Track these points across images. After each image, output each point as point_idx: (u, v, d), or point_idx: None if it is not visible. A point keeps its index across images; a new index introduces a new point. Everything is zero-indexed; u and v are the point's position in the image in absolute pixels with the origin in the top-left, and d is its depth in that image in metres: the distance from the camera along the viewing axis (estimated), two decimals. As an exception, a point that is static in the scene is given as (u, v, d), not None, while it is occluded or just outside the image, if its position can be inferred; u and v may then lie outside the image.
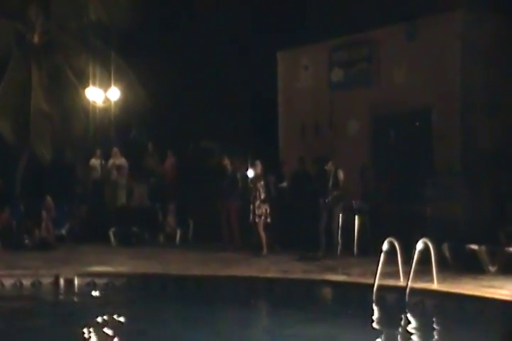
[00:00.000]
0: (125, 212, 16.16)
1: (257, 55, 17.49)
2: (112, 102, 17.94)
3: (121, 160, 17.20)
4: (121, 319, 8.79)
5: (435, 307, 8.93)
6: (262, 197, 13.35)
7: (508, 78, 13.74)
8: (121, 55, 18.62)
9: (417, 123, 14.89)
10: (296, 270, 11.36)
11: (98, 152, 17.43)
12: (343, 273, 10.87)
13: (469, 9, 14.03)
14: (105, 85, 17.95)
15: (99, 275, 11.22)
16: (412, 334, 7.77)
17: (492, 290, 9.21)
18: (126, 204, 16.63)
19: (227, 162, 14.72)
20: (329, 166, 13.10)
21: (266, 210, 13.33)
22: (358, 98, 15.57)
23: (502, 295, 8.89)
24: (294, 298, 9.77)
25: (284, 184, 14.87)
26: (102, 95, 17.94)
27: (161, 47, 18.59)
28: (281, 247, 13.66)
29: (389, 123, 15.16)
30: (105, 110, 17.98)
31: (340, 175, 13.08)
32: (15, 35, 18.81)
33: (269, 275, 10.97)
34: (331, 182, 13.00)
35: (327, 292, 10.28)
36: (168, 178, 17.19)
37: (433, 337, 7.75)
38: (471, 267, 10.64)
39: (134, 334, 7.90)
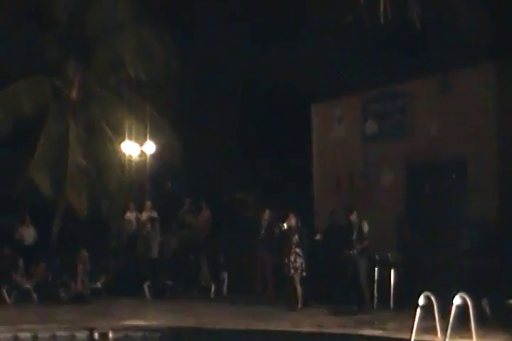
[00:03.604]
0: (159, 265, 16.14)
1: (292, 107, 17.64)
2: (148, 156, 18.11)
3: (154, 214, 17.27)
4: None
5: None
6: (298, 250, 13.26)
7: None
8: (156, 107, 18.86)
9: (454, 176, 14.76)
10: (331, 324, 11.18)
11: (131, 206, 17.55)
12: (379, 328, 10.67)
13: (503, 60, 14.03)
14: (141, 139, 18.17)
15: (134, 329, 11.19)
16: None
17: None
18: (159, 257, 16.61)
19: (265, 214, 14.69)
20: (353, 217, 12.96)
21: (301, 264, 13.22)
22: (392, 149, 15.57)
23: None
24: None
25: (318, 236, 14.77)
26: (137, 149, 18.14)
27: (194, 99, 18.81)
28: (316, 301, 13.47)
29: (423, 174, 15.10)
30: (141, 163, 18.15)
31: (365, 226, 12.90)
32: (52, 91, 19.20)
33: (304, 329, 10.81)
34: (355, 234, 12.84)
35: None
36: (203, 231, 17.20)
37: None
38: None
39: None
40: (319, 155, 17.42)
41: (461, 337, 9.11)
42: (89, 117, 19.30)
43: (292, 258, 13.24)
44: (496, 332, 9.85)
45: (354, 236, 12.76)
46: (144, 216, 17.27)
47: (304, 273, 13.25)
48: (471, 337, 9.18)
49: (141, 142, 18.16)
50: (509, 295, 10.67)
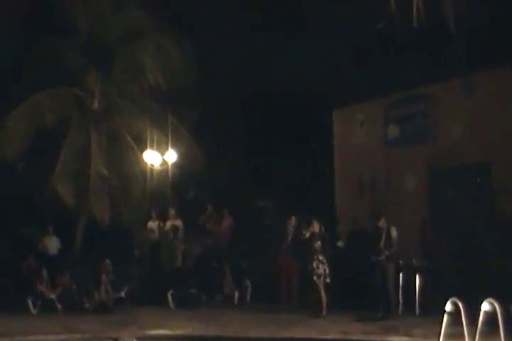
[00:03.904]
0: (182, 274, 16.10)
1: (314, 112, 17.57)
2: (170, 164, 18.14)
3: (178, 222, 17.27)
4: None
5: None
6: (320, 257, 13.17)
7: None
8: (176, 115, 18.89)
9: (478, 180, 14.60)
10: (356, 331, 11.04)
11: (154, 214, 17.57)
12: (405, 334, 10.52)
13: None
14: (163, 148, 18.19)
15: (158, 338, 11.14)
16: None
17: None
18: (183, 265, 16.58)
19: (292, 221, 14.64)
20: (381, 223, 12.84)
21: (325, 270, 13.12)
22: (414, 154, 15.46)
23: None
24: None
25: (340, 243, 14.66)
26: (159, 158, 18.17)
27: (218, 106, 18.81)
28: (340, 308, 13.35)
29: (447, 178, 14.97)
30: (162, 172, 18.17)
31: (394, 232, 12.75)
32: (74, 101, 19.29)
33: (329, 336, 10.68)
34: (383, 240, 12.71)
35: (390, 354, 9.97)
36: (225, 238, 17.16)
37: None
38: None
39: None
40: (341, 161, 17.35)
41: (490, 344, 8.97)
42: (111, 127, 19.36)
43: (315, 265, 13.16)
44: (525, 338, 9.67)
45: (382, 242, 12.65)
46: (168, 224, 17.27)
47: (328, 280, 13.15)
48: (499, 343, 9.04)
49: (163, 151, 18.17)
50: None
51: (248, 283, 15.75)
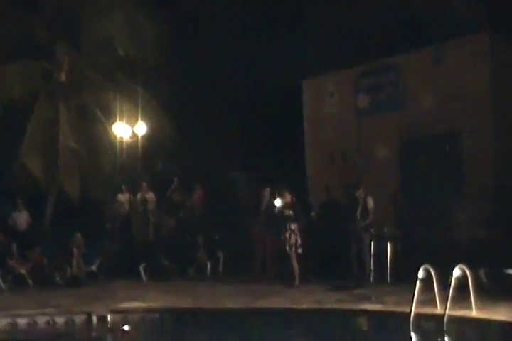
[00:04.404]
0: (155, 247, 16.08)
1: (283, 83, 17.47)
2: (139, 137, 18.00)
3: (150, 194, 17.20)
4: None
5: (474, 335, 8.70)
6: (293, 227, 13.20)
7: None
8: (147, 88, 18.70)
9: (447, 148, 14.69)
10: (330, 300, 11.14)
11: (124, 187, 17.47)
12: (378, 302, 10.65)
13: (496, 31, 13.90)
14: (132, 120, 18.03)
15: (132, 311, 11.12)
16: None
17: (533, 316, 8.95)
18: (155, 238, 16.55)
19: (266, 192, 14.64)
20: (359, 193, 12.95)
21: (297, 241, 13.18)
22: (385, 123, 15.46)
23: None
24: (329, 328, 9.55)
25: (313, 213, 14.70)
26: (129, 130, 18.03)
27: (186, 79, 18.66)
28: (314, 277, 13.42)
29: (418, 148, 14.99)
30: (132, 145, 18.03)
31: (370, 202, 12.91)
32: (42, 74, 18.99)
33: (303, 306, 10.77)
34: (359, 210, 12.81)
35: (363, 321, 10.07)
36: (197, 211, 17.13)
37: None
38: (510, 293, 10.34)
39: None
40: (312, 131, 17.30)
41: (461, 308, 9.09)
42: (80, 100, 19.09)
43: (287, 235, 13.21)
44: (495, 302, 9.82)
45: (359, 212, 12.75)
46: (139, 197, 17.20)
47: (300, 250, 13.21)
48: (470, 307, 9.18)
49: (133, 124, 18.03)
50: (506, 266, 10.65)
51: (221, 254, 15.77)
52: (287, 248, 13.13)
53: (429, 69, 14.93)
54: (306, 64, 17.02)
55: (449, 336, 8.50)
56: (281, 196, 13.95)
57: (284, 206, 13.58)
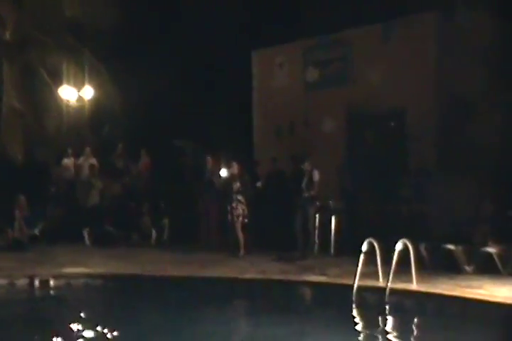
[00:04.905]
0: (99, 212, 15.99)
1: (232, 54, 17.43)
2: (86, 101, 17.77)
3: (93, 160, 17.05)
4: (97, 321, 8.67)
5: (414, 308, 9.01)
6: (239, 197, 13.31)
7: (483, 78, 13.83)
8: (95, 53, 18.42)
9: (392, 124, 14.96)
10: (274, 270, 11.33)
11: (70, 151, 17.27)
12: (322, 274, 10.87)
13: (444, 9, 14.11)
14: (79, 84, 17.78)
15: (75, 276, 11.13)
16: (391, 334, 7.81)
17: (469, 289, 9.32)
18: (99, 203, 16.46)
19: (208, 162, 14.67)
20: (306, 166, 13.06)
21: (243, 211, 13.29)
22: (333, 97, 15.60)
23: (479, 295, 8.99)
24: (273, 298, 9.74)
25: (259, 184, 14.83)
26: (75, 94, 17.78)
27: (134, 45, 18.44)
28: (259, 248, 13.59)
29: (364, 122, 15.22)
30: (79, 109, 17.80)
31: (316, 175, 13.03)
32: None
33: (247, 276, 10.94)
34: (305, 182, 12.96)
35: (306, 292, 10.30)
36: (143, 178, 17.07)
37: (412, 337, 7.80)
38: (448, 267, 10.73)
39: (107, 336, 7.79)
40: (260, 103, 17.35)
41: (402, 281, 9.39)
42: (26, 61, 18.69)
43: (234, 205, 13.31)
44: (434, 276, 10.19)
45: (304, 184, 12.88)
46: (84, 162, 17.03)
47: (246, 220, 13.34)
48: (411, 280, 9.50)
49: (80, 87, 17.78)
50: (445, 240, 11.00)
51: (166, 222, 15.79)
52: (233, 218, 13.24)
53: (377, 45, 15.07)
54: (258, 35, 17.01)
55: (390, 308, 8.78)
56: (228, 166, 14.04)
57: (231, 176, 13.67)
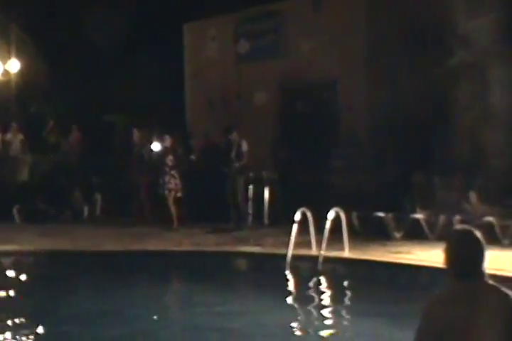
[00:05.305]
0: (29, 189, 15.66)
1: (164, 26, 17.21)
2: (12, 75, 17.30)
3: (20, 136, 16.64)
4: (30, 298, 8.55)
5: (346, 274, 9.18)
6: (172, 171, 13.23)
7: (411, 50, 13.97)
8: (21, 25, 17.90)
9: (324, 96, 15.04)
10: (208, 242, 11.36)
11: (-3, 127, 16.85)
12: (256, 244, 10.95)
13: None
14: (4, 57, 17.27)
15: (6, 254, 10.93)
16: (325, 300, 7.95)
17: (399, 255, 9.57)
18: (29, 180, 16.11)
19: (137, 136, 14.50)
20: (234, 136, 12.99)
21: (176, 184, 13.23)
22: (265, 70, 15.57)
23: (409, 259, 9.24)
24: (208, 270, 9.76)
25: (192, 157, 14.76)
26: (0, 67, 17.28)
27: (63, 17, 18.00)
28: (194, 221, 13.53)
29: (297, 94, 15.26)
30: (4, 83, 17.31)
31: (244, 145, 12.93)
32: None
33: (182, 248, 10.94)
34: (233, 153, 12.89)
35: (242, 263, 10.38)
36: (74, 153, 16.77)
37: (345, 301, 7.96)
38: (379, 234, 10.95)
39: (40, 313, 7.69)
40: (192, 76, 17.21)
41: (335, 249, 9.54)
42: None
43: (167, 179, 13.22)
44: (366, 243, 10.39)
45: (233, 155, 12.83)
46: (11, 138, 16.61)
47: (179, 194, 13.28)
48: (343, 248, 9.66)
49: (5, 60, 17.27)
50: (376, 208, 11.21)
51: (98, 197, 15.59)
52: (166, 191, 13.15)
53: (309, 17, 15.07)
54: (189, 8, 16.82)
55: (324, 275, 8.94)
56: (160, 140, 13.90)
57: (165, 149, 13.55)
